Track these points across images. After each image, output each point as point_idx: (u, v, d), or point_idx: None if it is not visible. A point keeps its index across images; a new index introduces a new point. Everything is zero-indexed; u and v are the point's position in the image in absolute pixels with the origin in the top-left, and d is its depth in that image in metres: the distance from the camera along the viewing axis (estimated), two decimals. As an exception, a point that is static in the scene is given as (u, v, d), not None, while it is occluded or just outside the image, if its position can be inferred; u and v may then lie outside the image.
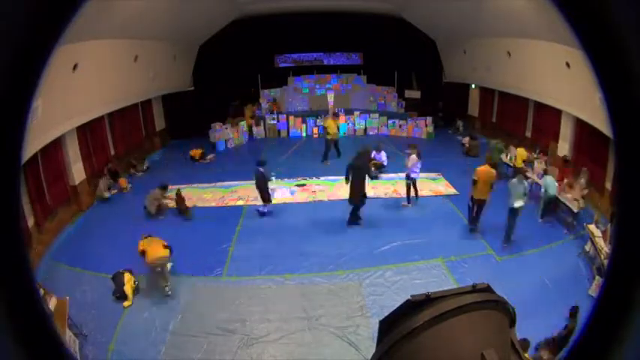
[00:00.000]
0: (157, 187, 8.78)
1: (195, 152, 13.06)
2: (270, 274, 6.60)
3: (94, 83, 8.98)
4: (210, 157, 13.20)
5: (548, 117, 11.10)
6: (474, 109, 16.18)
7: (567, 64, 8.73)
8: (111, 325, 5.48)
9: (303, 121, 15.72)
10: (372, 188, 9.65)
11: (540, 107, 11.45)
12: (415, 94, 16.93)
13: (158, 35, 11.24)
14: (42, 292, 4.98)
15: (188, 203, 9.00)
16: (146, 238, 6.33)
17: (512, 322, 1.63)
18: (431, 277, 6.46)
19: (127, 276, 6.06)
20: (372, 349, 1.15)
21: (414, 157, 8.69)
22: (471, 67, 14.21)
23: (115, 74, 10.03)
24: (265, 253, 7.21)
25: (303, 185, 10.52)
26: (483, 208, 7.54)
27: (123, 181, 10.52)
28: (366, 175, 7.77)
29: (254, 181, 8.53)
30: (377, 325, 1.16)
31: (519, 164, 9.44)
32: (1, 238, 0.64)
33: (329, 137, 12.03)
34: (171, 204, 8.84)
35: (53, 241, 7.78)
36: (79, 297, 5.93)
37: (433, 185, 10.32)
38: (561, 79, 9.25)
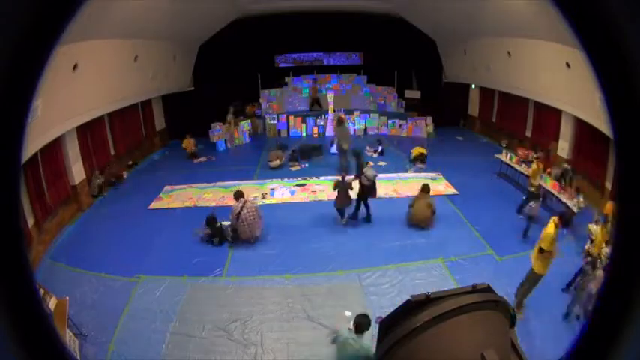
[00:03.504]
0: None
1: (188, 143, 13.01)
2: (270, 274, 6.60)
3: (94, 83, 8.97)
4: (203, 158, 13.05)
5: (548, 117, 11.10)
6: (474, 109, 16.18)
7: (567, 64, 8.72)
8: (111, 325, 5.47)
9: (303, 121, 15.72)
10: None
11: (540, 107, 11.44)
12: (415, 94, 16.94)
13: (158, 35, 11.23)
14: (42, 292, 4.98)
15: (189, 203, 9.07)
16: None
17: (513, 323, 1.63)
18: (431, 277, 6.46)
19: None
20: (373, 349, 1.15)
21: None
22: (471, 67, 14.20)
23: (115, 74, 10.03)
24: (265, 253, 7.22)
25: (303, 185, 10.52)
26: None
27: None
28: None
29: None
30: (377, 326, 1.16)
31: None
32: (1, 238, 0.64)
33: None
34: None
35: (53, 241, 7.79)
36: (79, 297, 5.93)
37: (433, 185, 10.28)
38: (561, 80, 9.25)
